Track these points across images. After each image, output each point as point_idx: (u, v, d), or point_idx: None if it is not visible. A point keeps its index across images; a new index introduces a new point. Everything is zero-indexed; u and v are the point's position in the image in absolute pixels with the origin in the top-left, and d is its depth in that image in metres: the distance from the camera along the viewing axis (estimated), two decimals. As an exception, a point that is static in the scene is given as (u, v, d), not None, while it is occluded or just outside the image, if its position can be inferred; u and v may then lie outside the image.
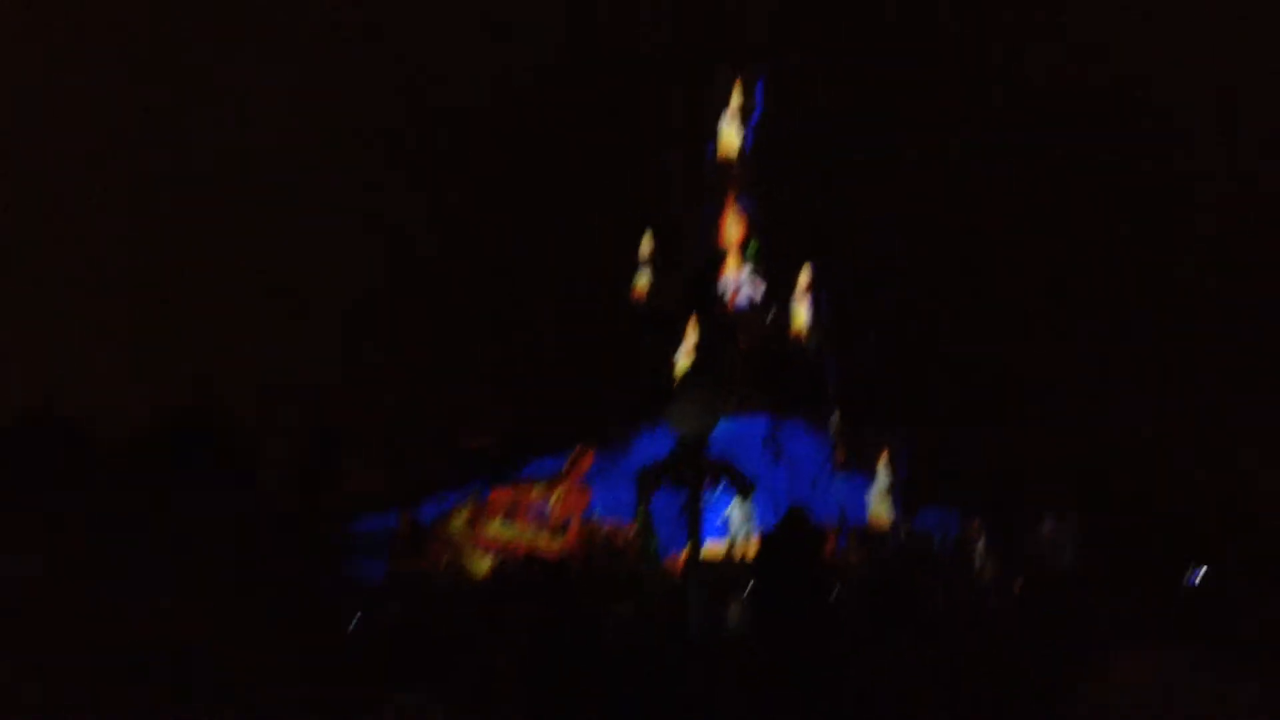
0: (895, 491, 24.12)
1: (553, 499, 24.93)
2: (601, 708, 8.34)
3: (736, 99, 28.12)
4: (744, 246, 27.55)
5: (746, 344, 26.45)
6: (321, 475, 28.00)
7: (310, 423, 29.11)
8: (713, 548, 20.46)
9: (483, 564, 23.43)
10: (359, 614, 16.73)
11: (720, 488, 16.12)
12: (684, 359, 25.59)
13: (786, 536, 7.61)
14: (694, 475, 9.90)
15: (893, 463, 24.38)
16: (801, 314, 26.95)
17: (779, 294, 27.25)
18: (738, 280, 27.23)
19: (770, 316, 27.12)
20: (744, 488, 15.55)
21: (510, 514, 24.83)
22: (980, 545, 22.55)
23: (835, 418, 25.94)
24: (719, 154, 28.07)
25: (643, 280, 27.82)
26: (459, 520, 24.58)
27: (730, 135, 28.13)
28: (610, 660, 9.74)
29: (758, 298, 27.36)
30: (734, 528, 22.60)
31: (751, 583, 8.97)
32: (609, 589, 15.72)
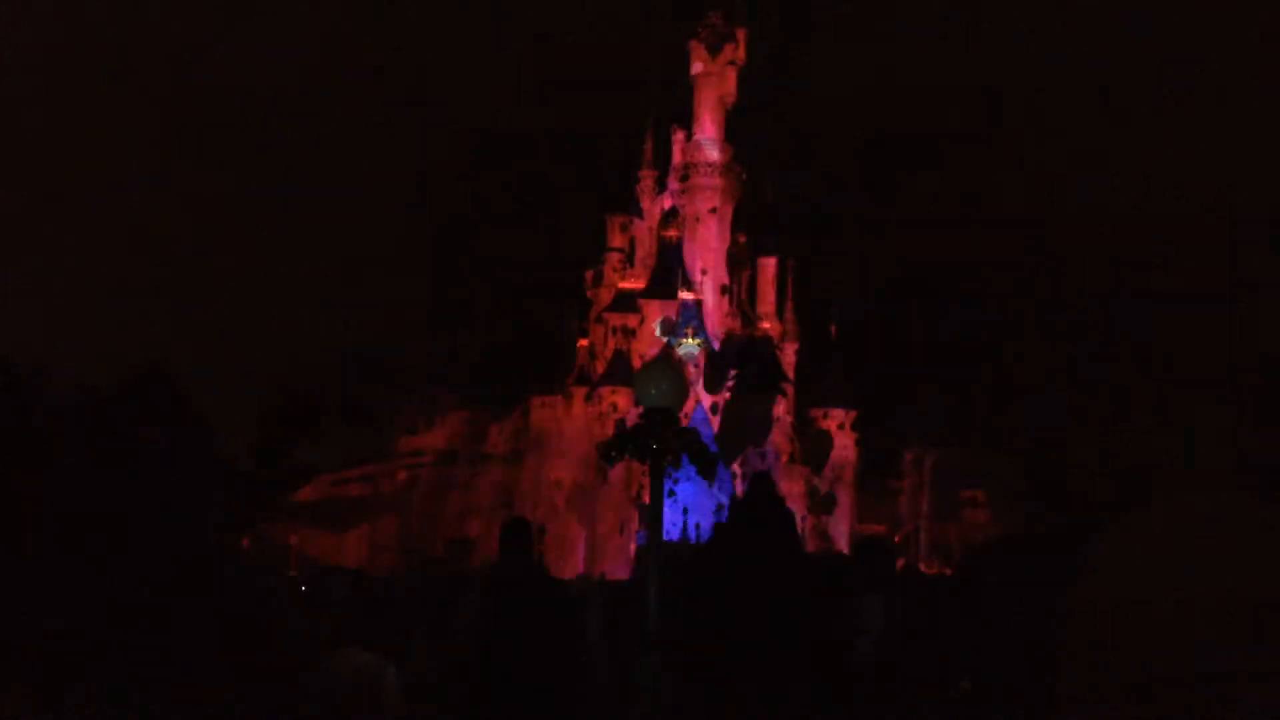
0: (842, 487, 24.24)
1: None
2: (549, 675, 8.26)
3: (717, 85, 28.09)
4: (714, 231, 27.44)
5: (710, 328, 26.41)
6: (276, 446, 27.87)
7: (268, 396, 29.04)
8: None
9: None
10: (308, 583, 16.66)
11: (682, 465, 15.98)
12: (647, 342, 25.54)
13: (757, 503, 7.51)
14: (659, 448, 9.80)
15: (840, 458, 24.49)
16: (766, 302, 27.00)
17: (744, 280, 27.17)
18: (705, 265, 27.13)
19: (734, 301, 27.09)
20: (707, 465, 15.41)
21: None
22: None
23: (786, 409, 25.99)
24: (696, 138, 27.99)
25: (609, 265, 27.76)
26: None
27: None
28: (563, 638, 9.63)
29: (724, 282, 27.31)
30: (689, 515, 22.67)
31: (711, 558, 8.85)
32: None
